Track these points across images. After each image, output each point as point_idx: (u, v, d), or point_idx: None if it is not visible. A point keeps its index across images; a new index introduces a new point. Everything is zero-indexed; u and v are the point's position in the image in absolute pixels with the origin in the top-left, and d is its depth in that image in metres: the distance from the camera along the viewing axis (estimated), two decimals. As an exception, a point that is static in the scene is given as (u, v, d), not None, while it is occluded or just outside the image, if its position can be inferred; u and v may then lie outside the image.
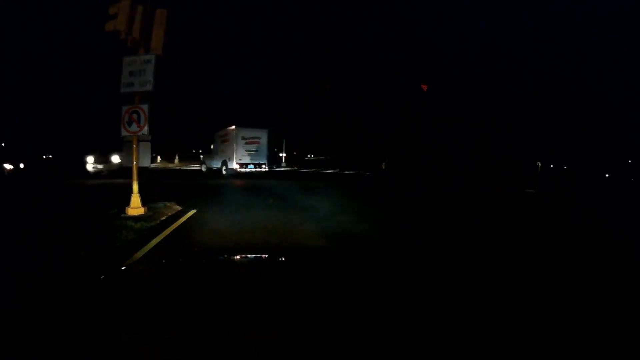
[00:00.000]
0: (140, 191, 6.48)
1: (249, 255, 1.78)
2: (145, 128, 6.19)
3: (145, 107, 6.25)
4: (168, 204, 7.22)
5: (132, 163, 6.31)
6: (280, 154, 38.33)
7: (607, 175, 40.21)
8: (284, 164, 36.73)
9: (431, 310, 0.95)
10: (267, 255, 1.79)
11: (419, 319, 0.89)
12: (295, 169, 30.25)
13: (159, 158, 35.34)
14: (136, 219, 6.03)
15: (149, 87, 6.33)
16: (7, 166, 17.33)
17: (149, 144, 6.39)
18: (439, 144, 37.12)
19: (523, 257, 4.89)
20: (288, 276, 1.25)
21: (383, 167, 29.40)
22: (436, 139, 36.75)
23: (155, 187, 10.13)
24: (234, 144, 17.09)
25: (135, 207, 6.25)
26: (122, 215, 6.17)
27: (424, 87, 34.65)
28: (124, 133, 6.36)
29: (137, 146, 6.33)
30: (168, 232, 5.33)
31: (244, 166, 17.37)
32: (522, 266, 4.37)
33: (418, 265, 1.53)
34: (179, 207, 7.22)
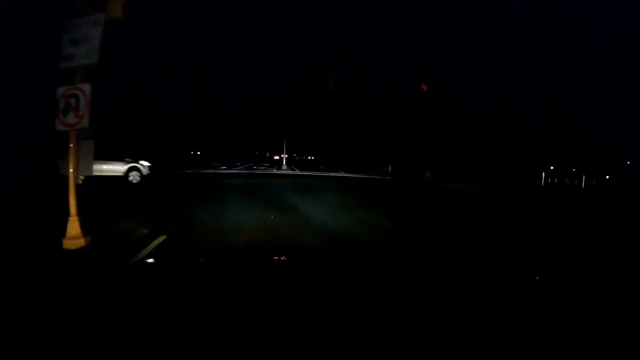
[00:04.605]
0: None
1: (249, 255, 1.71)
2: (86, 119, 4.03)
3: (86, 87, 4.08)
4: (129, 226, 5.07)
5: (69, 170, 4.15)
6: (282, 156, 36.24)
7: (607, 176, 38.87)
8: (284, 166, 34.63)
9: (431, 310, 0.92)
10: (267, 256, 1.69)
11: (419, 319, 0.86)
12: (297, 172, 28.09)
13: None
14: (71, 256, 3.90)
15: (93, 59, 4.17)
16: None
17: (91, 142, 4.22)
18: (443, 146, 35.18)
19: (525, 259, 4.67)
20: (288, 276, 1.19)
21: (389, 169, 27.36)
22: (440, 140, 34.80)
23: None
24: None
25: (74, 236, 4.08)
26: (60, 247, 4.03)
27: (424, 87, 32.81)
28: (59, 127, 4.20)
29: (76, 146, 4.17)
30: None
31: None
32: (523, 267, 4.11)
33: (418, 265, 1.47)
34: (143, 230, 5.03)
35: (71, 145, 4.15)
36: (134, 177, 13.76)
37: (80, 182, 11.41)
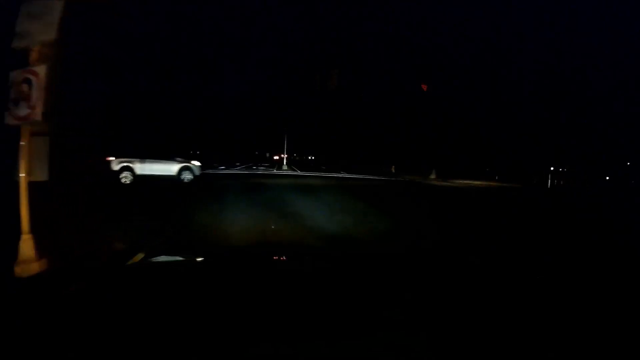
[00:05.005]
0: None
1: (249, 255, 1.69)
2: (39, 109, 3.13)
3: (41, 69, 3.18)
4: (103, 240, 4.15)
5: (18, 175, 3.25)
6: (282, 156, 35.44)
7: (607, 177, 38.29)
8: (284, 167, 33.74)
9: (430, 311, 0.90)
10: (267, 256, 1.67)
11: (418, 320, 0.85)
12: (297, 172, 27.20)
13: None
14: (20, 284, 3.01)
15: (51, 34, 3.27)
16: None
17: (46, 139, 3.31)
18: (444, 146, 34.36)
19: (525, 259, 4.55)
20: (287, 276, 1.16)
21: (393, 170, 26.58)
22: (440, 140, 33.97)
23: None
24: None
25: (25, 260, 3.17)
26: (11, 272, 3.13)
27: (424, 87, 32.01)
28: (8, 120, 3.30)
29: (29, 144, 3.27)
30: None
31: None
32: (523, 267, 3.96)
33: (418, 265, 1.45)
34: (120, 245, 4.13)
35: (22, 143, 3.24)
36: (186, 177, 12.90)
37: (128, 182, 10.91)
